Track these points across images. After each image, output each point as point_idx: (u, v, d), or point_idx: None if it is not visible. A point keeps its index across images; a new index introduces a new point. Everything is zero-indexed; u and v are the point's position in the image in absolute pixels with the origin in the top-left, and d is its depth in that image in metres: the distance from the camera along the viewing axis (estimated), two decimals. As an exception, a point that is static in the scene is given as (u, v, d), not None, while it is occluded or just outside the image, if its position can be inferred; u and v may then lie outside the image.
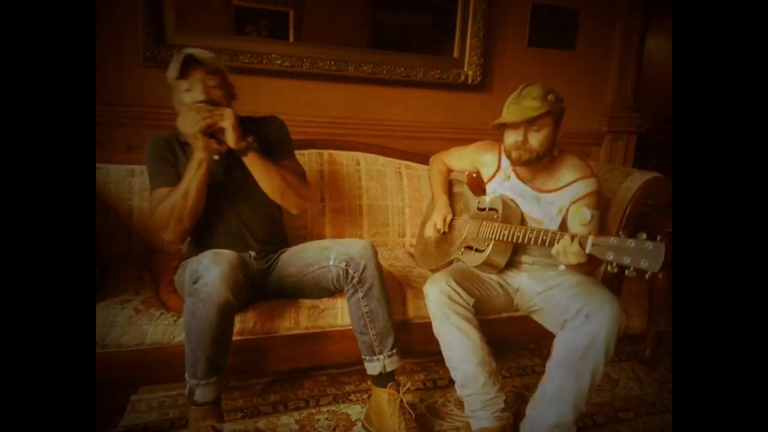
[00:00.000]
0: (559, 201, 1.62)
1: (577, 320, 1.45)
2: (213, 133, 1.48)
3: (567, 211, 1.59)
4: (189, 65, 1.50)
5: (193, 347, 1.34)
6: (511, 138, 1.58)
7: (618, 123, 2.86)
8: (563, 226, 1.61)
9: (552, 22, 2.63)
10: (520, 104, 1.53)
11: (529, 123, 1.52)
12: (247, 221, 1.62)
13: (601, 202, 1.67)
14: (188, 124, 1.43)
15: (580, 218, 1.50)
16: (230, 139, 1.47)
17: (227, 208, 1.60)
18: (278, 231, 1.76)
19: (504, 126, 1.59)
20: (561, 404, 1.45)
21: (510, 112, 1.55)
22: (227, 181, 1.59)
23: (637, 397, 1.94)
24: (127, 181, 1.88)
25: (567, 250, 1.35)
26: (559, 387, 1.45)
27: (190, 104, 1.48)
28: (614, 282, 1.88)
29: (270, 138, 1.65)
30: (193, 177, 1.45)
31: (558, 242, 1.37)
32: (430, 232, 1.89)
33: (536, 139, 1.55)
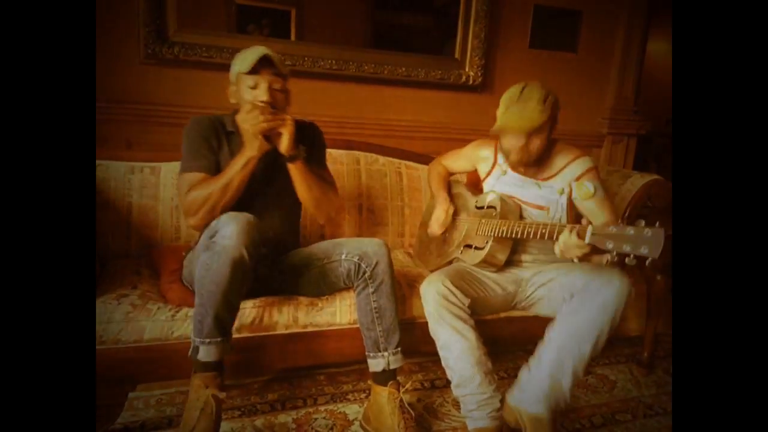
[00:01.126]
0: (557, 183, 1.64)
1: (588, 289, 1.47)
2: (268, 135, 1.50)
3: (570, 191, 1.61)
4: (260, 63, 1.50)
5: (202, 301, 1.34)
6: (512, 141, 1.59)
7: (619, 125, 2.86)
8: (570, 206, 1.63)
9: (553, 24, 2.64)
10: (523, 109, 1.52)
11: (532, 131, 1.54)
12: (267, 223, 1.59)
13: (600, 178, 1.68)
14: (251, 122, 1.45)
15: (584, 192, 1.50)
16: (285, 145, 1.50)
17: (253, 207, 1.55)
18: (294, 237, 1.77)
19: (503, 130, 1.59)
20: (559, 368, 1.45)
21: (511, 116, 1.53)
22: (260, 181, 1.58)
23: (635, 399, 1.94)
24: (127, 178, 1.88)
25: (567, 244, 1.35)
26: (558, 351, 1.45)
27: (255, 103, 1.49)
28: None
29: (309, 145, 1.64)
30: (238, 173, 1.46)
31: (557, 235, 1.37)
32: (434, 228, 1.88)
33: (535, 144, 1.57)
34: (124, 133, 2.03)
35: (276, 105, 1.52)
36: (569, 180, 1.62)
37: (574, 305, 1.48)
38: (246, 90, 1.52)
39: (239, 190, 1.49)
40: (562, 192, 1.62)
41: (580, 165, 1.63)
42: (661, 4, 2.89)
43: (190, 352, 1.37)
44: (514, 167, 1.69)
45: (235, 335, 1.50)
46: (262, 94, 1.50)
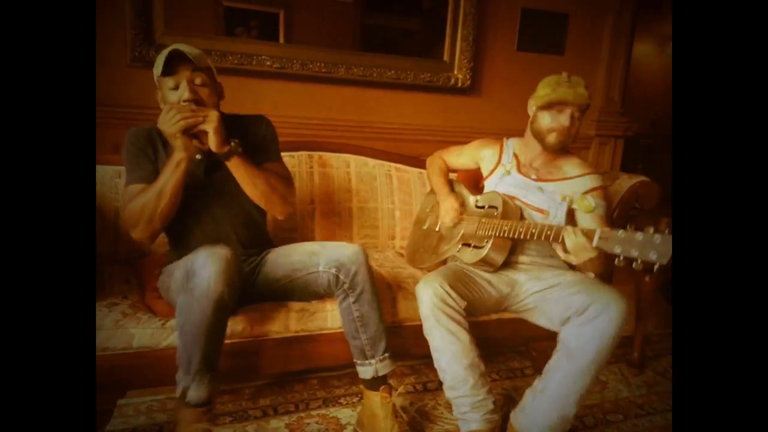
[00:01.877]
0: (562, 189, 1.65)
1: (585, 316, 1.47)
2: (195, 133, 1.43)
3: (571, 200, 1.62)
4: (175, 61, 1.42)
5: (186, 345, 1.31)
6: (554, 120, 1.61)
7: (606, 127, 2.89)
8: (570, 215, 1.64)
9: (541, 27, 2.66)
10: (574, 89, 1.56)
11: (581, 109, 1.59)
12: (227, 224, 1.57)
13: (608, 197, 1.69)
14: (168, 123, 1.36)
15: (585, 205, 1.51)
16: (213, 142, 1.41)
17: (207, 210, 1.55)
18: (260, 234, 1.71)
19: (551, 106, 1.60)
20: (566, 399, 1.46)
21: (567, 91, 1.57)
22: (208, 183, 1.54)
23: (626, 399, 1.96)
24: (114, 182, 1.86)
25: (577, 245, 1.34)
26: (565, 380, 1.46)
27: (172, 102, 1.43)
28: (603, 282, 1.89)
29: (256, 138, 1.60)
30: (170, 177, 1.39)
31: (562, 236, 1.37)
32: (446, 220, 1.84)
33: (575, 127, 1.61)
34: (111, 137, 1.99)
35: (202, 101, 1.44)
36: (576, 190, 1.62)
37: (575, 331, 1.47)
38: (168, 93, 1.45)
39: (175, 196, 1.42)
40: (564, 198, 1.62)
41: (592, 180, 1.65)
42: (647, 6, 2.93)
43: (178, 395, 1.34)
44: (521, 168, 1.70)
45: (227, 341, 1.48)
46: (183, 92, 1.42)
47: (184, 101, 1.42)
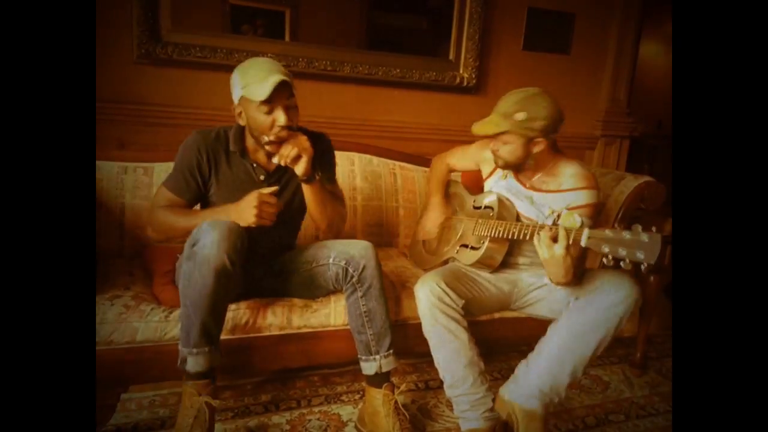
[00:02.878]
0: (553, 203, 1.61)
1: (597, 291, 1.48)
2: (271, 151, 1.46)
3: (558, 215, 1.60)
4: (277, 89, 1.39)
5: (188, 312, 1.33)
6: (494, 147, 1.63)
7: (611, 127, 2.87)
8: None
9: (547, 26, 2.65)
10: (491, 116, 1.57)
11: (492, 137, 1.58)
12: (269, 235, 1.55)
13: (596, 217, 1.67)
14: (245, 216, 1.40)
15: (569, 222, 1.50)
16: (303, 169, 1.44)
17: (257, 229, 1.47)
18: (291, 242, 1.76)
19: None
20: (560, 365, 1.47)
21: (482, 120, 1.58)
22: None
23: (628, 399, 1.95)
24: (120, 178, 1.87)
25: (546, 246, 1.36)
26: (561, 348, 1.47)
27: (263, 124, 1.42)
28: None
29: (319, 158, 1.56)
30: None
31: (554, 237, 1.37)
32: (421, 234, 1.90)
33: (504, 151, 1.59)
34: (117, 133, 2.01)
35: (293, 126, 1.45)
36: (566, 204, 1.59)
37: (582, 304, 1.50)
38: (260, 115, 1.42)
39: None
40: (551, 213, 1.61)
41: (584, 197, 1.58)
42: (653, 6, 2.91)
43: (178, 363, 1.36)
44: (518, 174, 1.69)
45: (229, 336, 1.50)
46: (280, 118, 1.41)
47: (281, 126, 1.42)
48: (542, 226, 1.41)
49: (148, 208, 1.63)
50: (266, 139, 1.45)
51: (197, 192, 1.53)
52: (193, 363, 1.35)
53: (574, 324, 1.48)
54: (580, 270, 1.57)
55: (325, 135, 1.68)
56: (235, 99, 1.47)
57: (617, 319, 1.44)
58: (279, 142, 1.44)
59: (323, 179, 1.56)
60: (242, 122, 1.49)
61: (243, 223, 1.40)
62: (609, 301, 1.45)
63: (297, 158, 1.44)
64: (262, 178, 1.56)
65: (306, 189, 1.52)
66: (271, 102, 1.40)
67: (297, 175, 1.48)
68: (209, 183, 1.54)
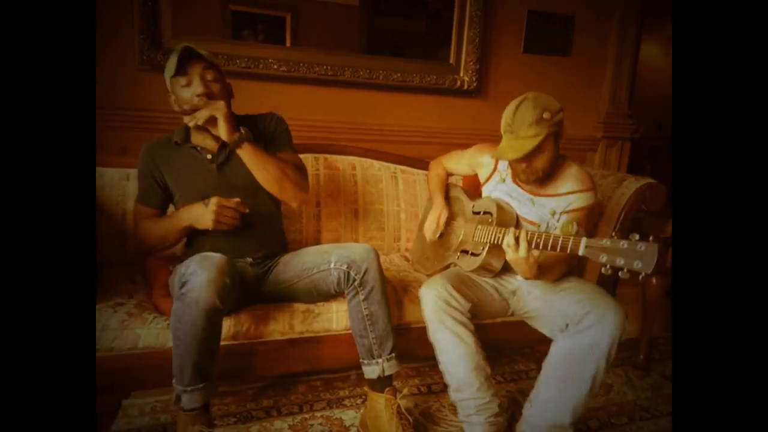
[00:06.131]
0: (553, 204, 1.62)
1: (580, 325, 1.46)
2: (206, 127, 1.50)
3: (559, 217, 1.60)
4: (186, 60, 1.48)
5: (179, 352, 1.32)
6: (515, 165, 1.58)
7: (612, 129, 2.87)
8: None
9: (547, 29, 2.65)
10: (517, 135, 1.48)
11: (529, 155, 1.49)
12: (243, 225, 1.57)
13: (593, 217, 1.66)
14: (203, 221, 1.47)
15: (566, 230, 1.50)
16: (223, 130, 1.47)
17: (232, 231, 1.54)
18: (277, 235, 1.74)
19: None
20: (559, 406, 1.46)
21: (507, 144, 1.50)
22: (220, 179, 1.57)
23: (631, 402, 1.95)
24: (122, 184, 1.88)
25: (511, 250, 1.40)
26: (557, 389, 1.46)
27: (186, 99, 1.49)
28: (608, 286, 1.89)
29: (266, 133, 1.65)
30: (175, 233, 1.54)
31: (551, 245, 1.37)
32: (427, 234, 1.88)
33: (540, 162, 1.53)
34: (119, 140, 2.02)
35: (213, 95, 1.50)
36: (564, 207, 1.60)
37: (568, 342, 1.47)
38: (181, 90, 1.50)
39: (179, 240, 1.58)
40: (554, 214, 1.61)
41: (582, 199, 1.59)
42: (654, 8, 2.91)
43: (173, 399, 1.36)
44: (515, 178, 1.67)
45: (231, 342, 1.50)
46: (196, 87, 1.48)
47: (198, 95, 1.47)
48: (548, 234, 1.40)
49: (130, 226, 1.72)
50: (185, 108, 1.49)
51: (162, 196, 1.61)
52: (188, 400, 1.35)
53: (564, 366, 1.46)
54: (567, 270, 1.64)
55: (274, 113, 1.71)
56: (169, 88, 1.55)
57: (604, 355, 1.43)
58: (195, 110, 1.49)
59: (271, 147, 1.61)
60: (175, 107, 1.55)
61: (201, 227, 1.48)
62: (592, 338, 1.43)
63: (212, 120, 1.48)
64: (209, 157, 1.58)
65: (241, 155, 1.53)
66: (184, 74, 1.48)
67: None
68: (166, 182, 1.59)
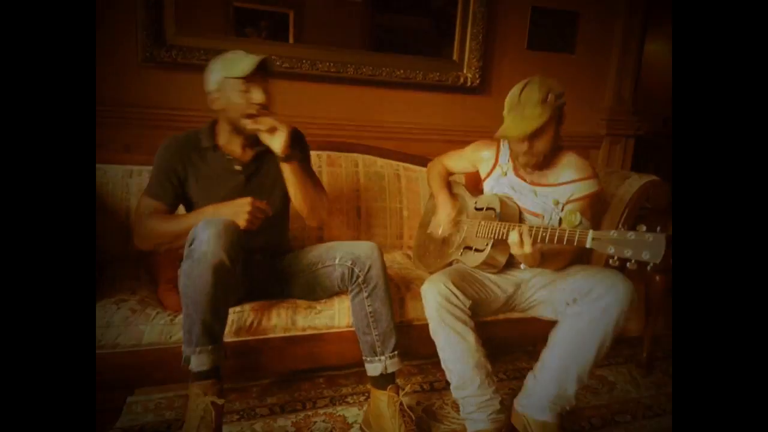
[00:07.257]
0: (555, 194, 1.63)
1: (589, 297, 1.48)
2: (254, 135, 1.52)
3: (563, 206, 1.61)
4: (260, 69, 1.49)
5: (188, 311, 1.33)
6: (517, 145, 1.58)
7: (616, 126, 2.86)
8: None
9: (551, 25, 2.64)
10: (522, 114, 1.49)
11: (532, 135, 1.51)
12: (258, 240, 1.58)
13: (597, 205, 1.67)
14: (238, 215, 1.42)
15: (569, 220, 1.50)
16: (280, 143, 1.49)
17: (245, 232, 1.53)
18: (285, 240, 1.76)
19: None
20: (565, 375, 1.47)
21: (512, 123, 1.52)
22: (246, 188, 1.58)
23: (634, 400, 1.94)
24: (125, 181, 1.88)
25: (516, 246, 1.42)
26: (562, 358, 1.48)
27: (240, 104, 1.49)
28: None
29: (298, 149, 1.63)
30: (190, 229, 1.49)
31: (557, 239, 1.37)
32: (436, 230, 1.87)
33: (542, 144, 1.54)
34: (122, 137, 2.02)
35: (267, 106, 1.52)
36: (567, 196, 1.61)
37: (577, 310, 1.49)
38: (237, 94, 1.50)
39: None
40: (557, 203, 1.61)
41: (584, 187, 1.60)
42: (658, 4, 2.89)
43: (183, 362, 1.36)
44: (517, 170, 1.68)
45: (234, 339, 1.50)
46: (258, 96, 1.49)
47: (258, 104, 1.49)
48: (553, 229, 1.40)
49: (133, 219, 1.66)
50: (246, 113, 1.50)
51: (176, 194, 1.57)
52: (197, 362, 1.35)
53: (572, 332, 1.48)
54: (573, 260, 1.64)
55: (295, 128, 1.71)
56: (212, 85, 1.53)
57: (613, 321, 1.44)
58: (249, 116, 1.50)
59: (302, 159, 1.60)
60: (217, 106, 1.54)
61: (242, 226, 1.43)
62: (603, 304, 1.45)
63: (274, 129, 1.49)
64: (238, 168, 1.58)
65: (286, 170, 1.54)
66: (250, 80, 1.48)
67: (274, 164, 1.54)
68: (187, 183, 1.57)
